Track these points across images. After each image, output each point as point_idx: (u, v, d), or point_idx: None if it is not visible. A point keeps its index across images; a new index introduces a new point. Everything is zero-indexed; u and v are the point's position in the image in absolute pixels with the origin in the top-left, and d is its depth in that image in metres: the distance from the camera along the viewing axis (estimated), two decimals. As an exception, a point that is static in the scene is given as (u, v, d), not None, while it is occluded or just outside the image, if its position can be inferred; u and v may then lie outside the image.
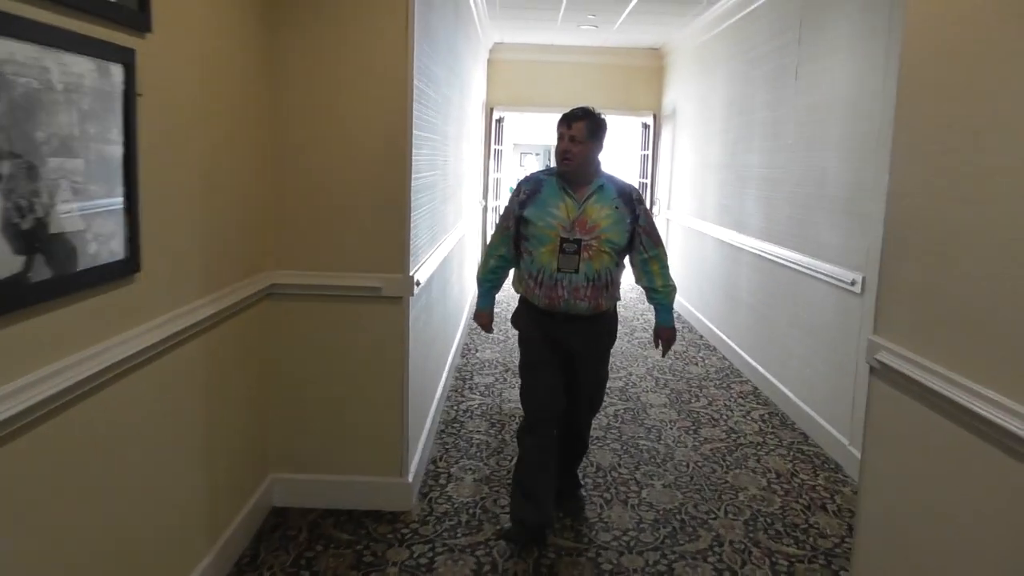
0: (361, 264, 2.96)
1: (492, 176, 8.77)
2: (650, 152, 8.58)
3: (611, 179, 2.89)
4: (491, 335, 6.18)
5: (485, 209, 8.71)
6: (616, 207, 2.80)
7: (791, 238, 4.65)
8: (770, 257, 4.95)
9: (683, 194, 7.78)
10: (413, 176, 3.07)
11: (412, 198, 3.06)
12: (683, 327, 6.97)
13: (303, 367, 3.02)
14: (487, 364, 5.48)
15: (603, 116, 2.88)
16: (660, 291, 2.93)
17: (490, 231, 8.88)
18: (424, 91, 3.32)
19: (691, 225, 7.28)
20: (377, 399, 3.04)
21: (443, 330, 4.64)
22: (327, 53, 2.85)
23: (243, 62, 2.58)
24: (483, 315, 3.20)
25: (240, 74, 2.56)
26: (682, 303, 7.46)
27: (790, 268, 4.61)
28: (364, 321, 3.00)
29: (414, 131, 3.05)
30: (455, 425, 4.16)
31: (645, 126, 8.88)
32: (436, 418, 4.09)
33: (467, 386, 4.90)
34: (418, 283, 3.12)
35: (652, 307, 3.00)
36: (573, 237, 2.74)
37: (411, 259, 3.05)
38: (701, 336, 6.64)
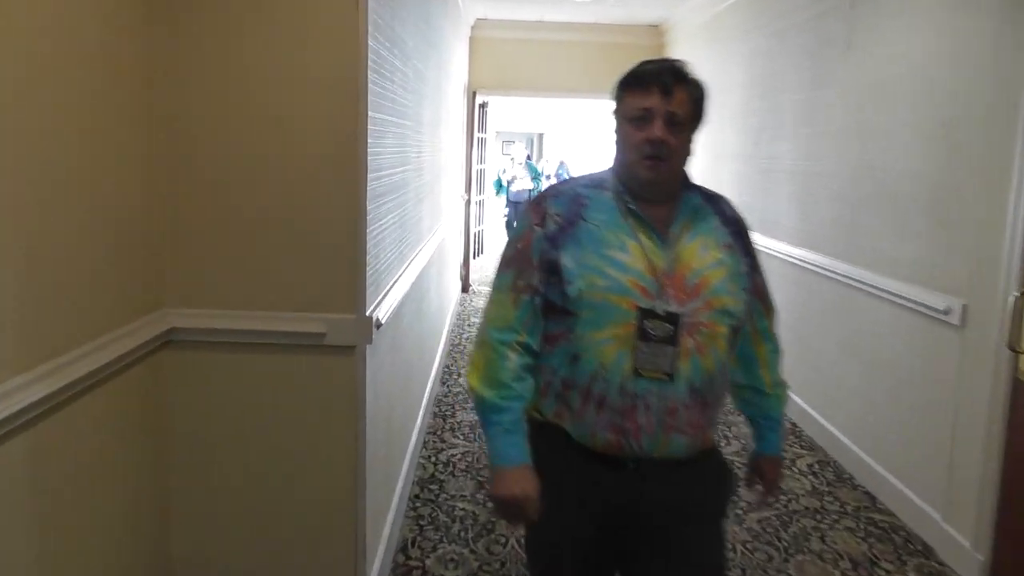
0: (296, 301, 2.11)
1: (475, 167, 7.90)
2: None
3: (701, 191, 1.62)
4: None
5: (468, 204, 7.84)
6: (727, 244, 1.52)
7: (837, 245, 3.84)
8: (809, 267, 4.14)
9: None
10: (372, 176, 2.22)
11: (371, 206, 2.21)
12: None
13: (216, 445, 2.16)
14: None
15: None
16: (769, 393, 1.63)
17: (475, 229, 8.01)
18: (387, 59, 2.46)
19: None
20: (320, 488, 2.19)
21: (419, 360, 3.80)
22: (236, 24, 1.99)
23: (104, 55, 1.71)
24: (515, 479, 1.43)
25: (100, 68, 1.69)
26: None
27: (838, 281, 3.81)
28: (301, 380, 2.14)
29: (374, 114, 2.20)
30: (432, 487, 3.31)
31: (644, 112, 8.04)
32: (409, 478, 3.24)
33: (447, 426, 4.06)
34: (379, 324, 2.27)
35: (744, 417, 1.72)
36: (666, 308, 1.40)
37: (369, 291, 2.19)
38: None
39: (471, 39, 7.91)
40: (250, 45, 2.00)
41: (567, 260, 1.42)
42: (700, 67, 5.67)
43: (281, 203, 2.07)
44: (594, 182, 1.53)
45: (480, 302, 7.37)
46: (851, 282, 3.66)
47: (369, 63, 2.09)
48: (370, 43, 2.10)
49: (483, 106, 8.04)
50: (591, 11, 7.20)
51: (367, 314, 2.15)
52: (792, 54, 4.48)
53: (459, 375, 4.99)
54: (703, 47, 6.50)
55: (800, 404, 4.19)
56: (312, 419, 2.16)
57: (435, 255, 4.72)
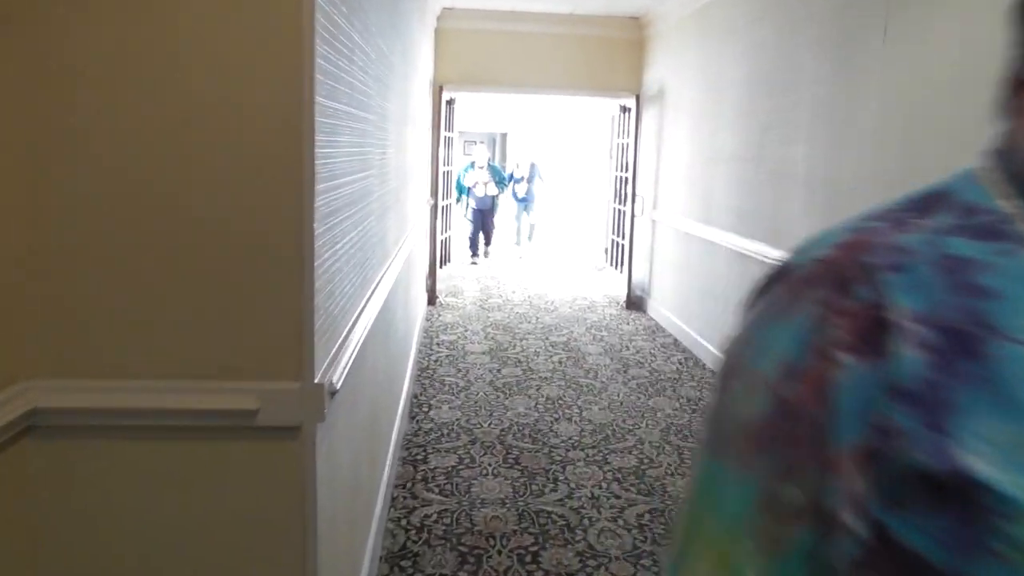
0: (215, 365, 1.49)
1: (442, 169, 7.28)
2: (631, 140, 7.21)
3: None
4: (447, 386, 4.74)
5: (435, 209, 7.22)
6: None
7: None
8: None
9: (674, 192, 6.44)
10: (323, 187, 1.62)
11: (321, 227, 1.61)
12: (681, 366, 5.63)
13: (101, 566, 1.53)
14: (445, 431, 4.03)
15: None
16: None
17: (442, 236, 7.39)
18: (343, 29, 1.85)
19: (688, 230, 5.94)
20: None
21: (386, 395, 3.19)
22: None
23: None
24: None
25: None
26: (683, 329, 6.12)
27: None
28: (223, 476, 1.53)
29: (326, 102, 1.60)
30: (405, 563, 2.70)
31: (625, 109, 7.50)
32: (375, 556, 2.63)
33: (419, 476, 3.45)
34: (335, 391, 1.66)
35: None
36: None
37: (319, 347, 1.58)
38: (715, 375, 5.30)
39: (437, 31, 7.29)
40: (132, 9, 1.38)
41: (982, 454, 0.44)
42: (691, 60, 5.05)
43: (191, 229, 1.45)
44: (978, 227, 0.51)
45: (448, 316, 6.78)
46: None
47: (318, 30, 1.48)
48: (319, 18, 1.49)
49: (450, 103, 7.43)
50: (567, 1, 6.65)
51: (317, 380, 1.54)
52: (809, 46, 3.97)
53: (429, 407, 4.37)
54: (695, 39, 5.98)
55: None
56: (240, 528, 1.54)
57: (403, 272, 4.11)
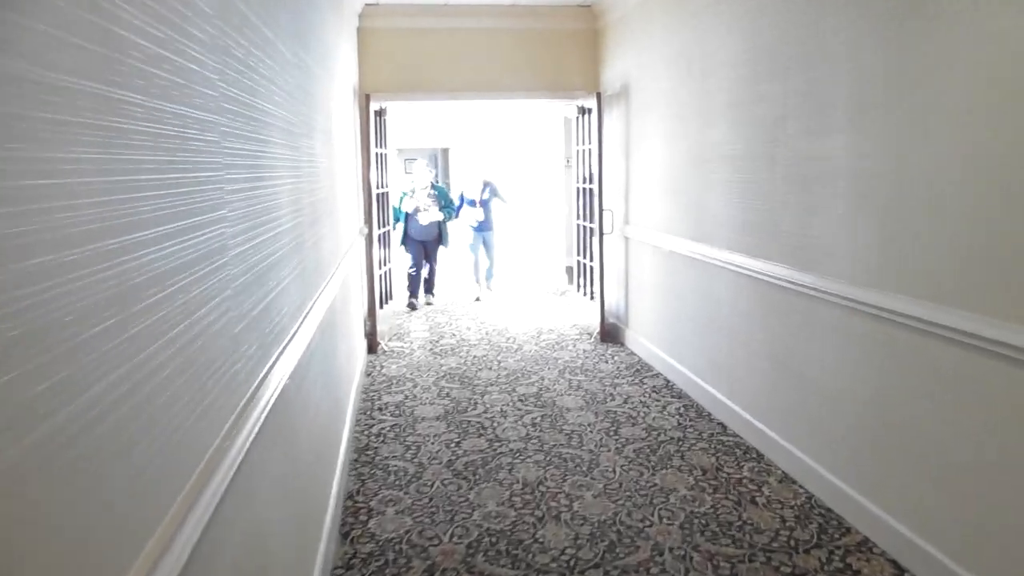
0: None
1: (376, 192, 6.17)
2: (593, 146, 6.22)
3: None
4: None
5: (370, 239, 6.10)
6: None
7: (969, 292, 2.37)
8: (911, 324, 2.65)
9: (651, 203, 5.46)
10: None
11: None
12: (682, 419, 4.63)
13: None
14: (391, 556, 2.92)
15: None
16: None
17: (381, 270, 6.28)
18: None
19: (673, 247, 4.95)
20: None
21: (301, 524, 2.08)
22: None
23: None
24: None
25: None
26: (674, 367, 5.12)
27: (982, 351, 2.33)
28: None
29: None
30: None
31: (584, 111, 6.51)
32: None
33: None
34: None
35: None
36: None
37: None
38: (726, 431, 4.30)
39: (360, 31, 6.22)
40: None
41: None
42: (656, 50, 3.79)
43: None
44: None
45: (393, 367, 5.66)
46: (1008, 352, 2.19)
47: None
48: None
49: (380, 114, 6.33)
50: (511, -15, 5.65)
51: None
52: (839, 13, 3.01)
53: (368, 513, 3.27)
54: (659, 22, 5.03)
55: (904, 533, 2.69)
56: None
57: (327, 324, 3.04)
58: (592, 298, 6.61)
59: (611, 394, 4.86)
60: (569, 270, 9.53)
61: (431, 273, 8.19)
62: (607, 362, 5.66)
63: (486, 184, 8.48)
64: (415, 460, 3.85)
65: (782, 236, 3.55)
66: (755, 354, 3.90)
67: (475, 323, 7.13)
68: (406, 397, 4.93)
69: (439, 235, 7.96)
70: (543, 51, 6.51)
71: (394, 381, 5.30)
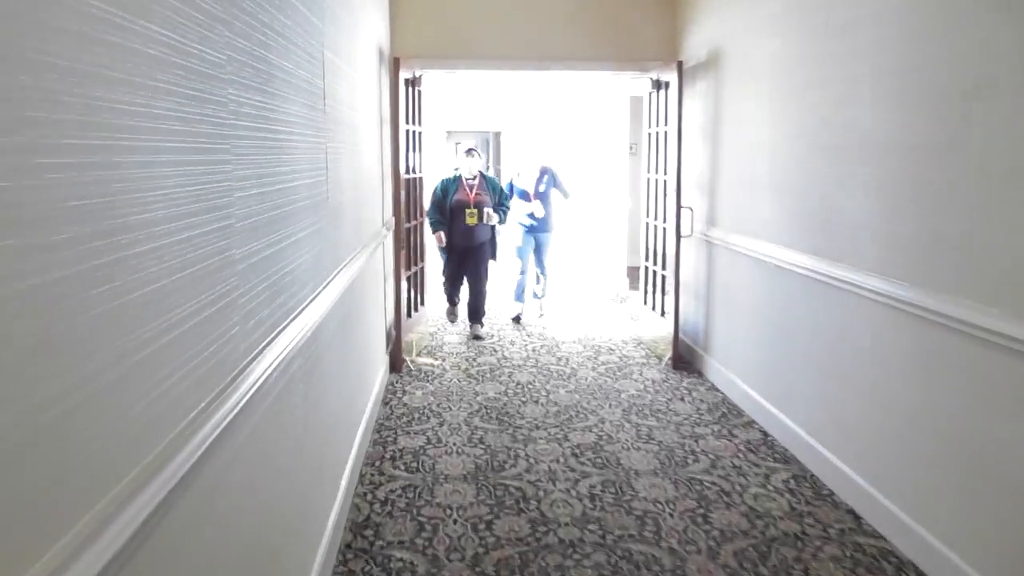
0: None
1: (403, 178, 5.12)
2: (671, 128, 5.05)
3: None
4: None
5: (397, 234, 5.05)
6: None
7: None
8: None
9: (747, 202, 4.29)
10: None
11: None
12: (803, 512, 3.47)
13: None
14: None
15: None
16: None
17: (408, 271, 5.23)
18: None
19: (783, 262, 3.79)
20: None
21: None
22: None
23: None
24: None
25: None
26: (775, 417, 3.95)
27: None
28: None
29: None
30: None
31: (659, 85, 5.34)
32: None
33: None
34: None
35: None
36: None
37: None
38: (860, 525, 3.14)
39: (391, -19, 5.16)
40: None
41: None
42: (764, 4, 2.65)
43: None
44: None
45: (418, 393, 4.62)
46: None
47: None
48: None
49: (412, 83, 5.27)
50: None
51: None
52: None
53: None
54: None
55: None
56: None
57: (335, 344, 2.00)
58: (663, 314, 5.46)
59: (692, 450, 3.73)
60: (632, 271, 8.38)
61: (478, 296, 6.02)
62: (683, 399, 4.52)
63: (544, 171, 6.54)
64: (428, 551, 2.79)
65: (978, 262, 2.37)
66: (910, 424, 2.73)
67: (520, 336, 6.05)
68: (428, 440, 3.88)
69: (488, 243, 6.01)
70: (610, 13, 5.36)
71: (416, 414, 4.25)
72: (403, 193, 5.08)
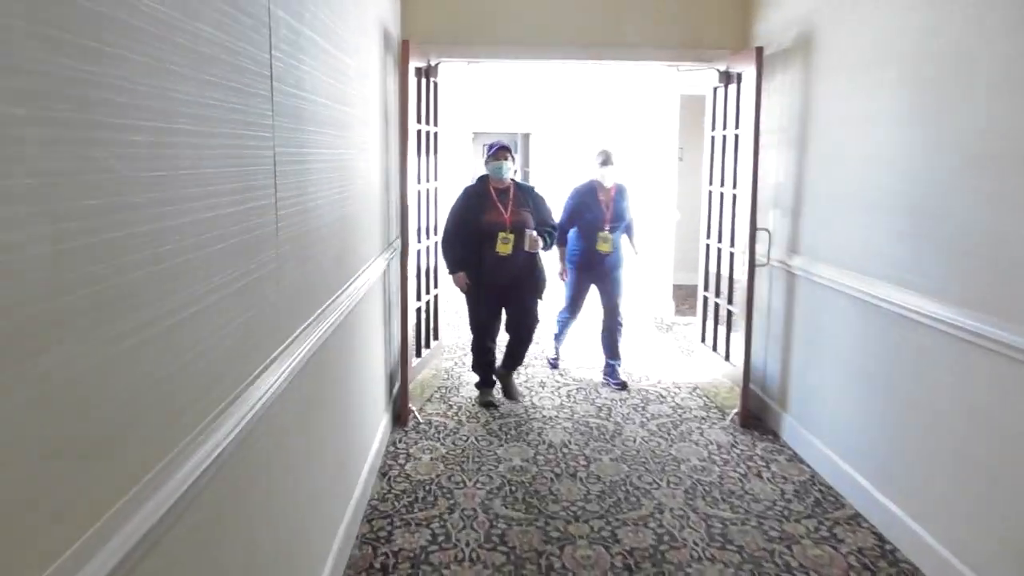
0: None
1: (415, 188, 4.20)
2: (746, 131, 4.08)
3: None
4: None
5: (404, 257, 4.13)
6: None
7: None
8: None
9: (854, 226, 3.32)
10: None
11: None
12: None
13: None
14: None
15: None
16: None
17: (418, 303, 4.30)
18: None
19: (914, 312, 2.81)
20: None
21: None
22: None
23: None
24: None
25: None
26: (897, 517, 2.96)
27: None
28: None
29: None
30: None
31: (729, 78, 4.37)
32: None
33: None
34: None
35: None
36: None
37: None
38: None
39: (403, -51, 4.27)
40: None
41: None
42: None
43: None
44: None
45: (424, 458, 3.71)
46: None
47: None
48: None
49: (426, 73, 4.36)
50: None
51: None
52: None
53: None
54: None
55: None
56: None
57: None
58: (727, 357, 4.49)
59: (787, 564, 2.77)
60: (679, 291, 7.40)
61: (519, 343, 4.52)
62: (761, 475, 3.55)
63: (621, 191, 4.84)
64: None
65: None
66: None
67: (552, 377, 5.10)
68: (434, 537, 2.95)
69: (531, 275, 4.37)
70: (670, -8, 4.42)
71: (421, 491, 3.34)
72: (415, 207, 4.17)
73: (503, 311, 4.49)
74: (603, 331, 4.96)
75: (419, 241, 4.36)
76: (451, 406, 4.47)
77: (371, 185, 3.49)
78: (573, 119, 8.98)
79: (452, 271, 4.34)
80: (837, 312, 3.44)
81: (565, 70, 7.25)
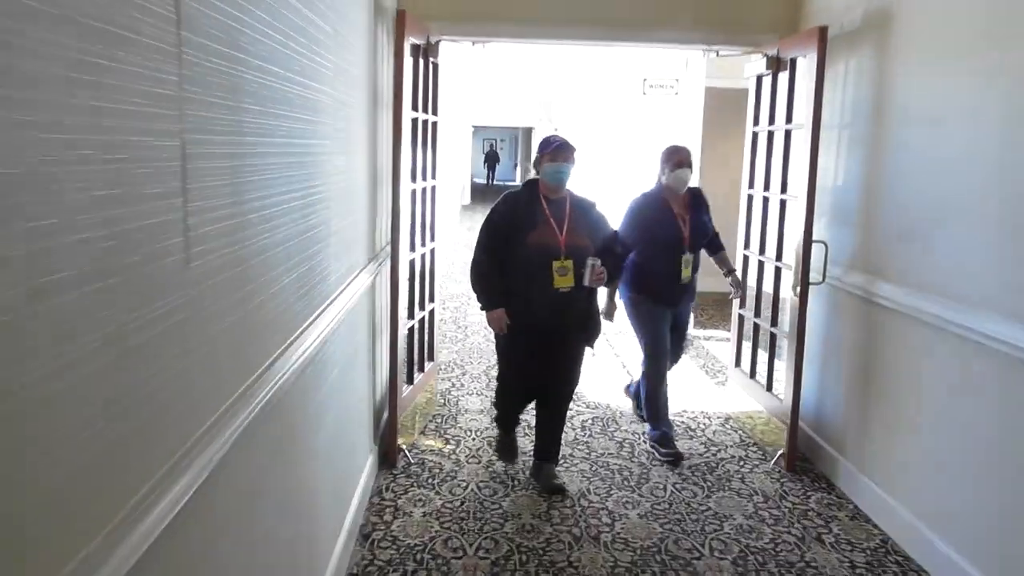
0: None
1: (409, 187, 3.55)
2: (803, 126, 3.45)
3: None
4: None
5: (394, 266, 3.47)
6: None
7: None
8: None
9: (949, 244, 2.70)
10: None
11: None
12: None
13: None
14: None
15: None
16: None
17: (411, 321, 3.66)
18: None
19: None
20: None
21: None
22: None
23: None
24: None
25: None
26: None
27: None
28: None
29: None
30: None
31: (777, 64, 3.74)
32: None
33: None
34: None
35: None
36: None
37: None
38: None
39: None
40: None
41: None
42: None
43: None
44: None
45: (418, 513, 3.08)
46: None
47: None
48: None
49: (426, 53, 3.72)
50: None
51: None
52: None
53: None
54: None
55: None
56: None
57: None
58: (769, 388, 3.87)
59: None
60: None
61: (556, 418, 3.41)
62: (822, 539, 2.94)
63: (697, 196, 3.82)
64: None
65: None
66: None
67: (564, 401, 4.47)
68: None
69: (586, 318, 3.28)
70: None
71: (410, 563, 2.72)
72: (408, 209, 3.54)
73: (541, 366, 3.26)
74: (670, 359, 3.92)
75: (413, 249, 3.72)
76: (448, 439, 3.85)
77: (355, 184, 2.86)
78: (582, 113, 8.34)
79: (487, 307, 3.18)
80: (922, 349, 2.83)
81: (578, 58, 6.61)
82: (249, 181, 1.54)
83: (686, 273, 3.62)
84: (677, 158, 3.60)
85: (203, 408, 1.30)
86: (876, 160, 3.18)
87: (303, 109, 1.99)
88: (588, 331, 3.28)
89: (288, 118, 1.85)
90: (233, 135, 1.43)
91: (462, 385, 4.72)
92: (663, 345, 3.72)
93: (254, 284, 1.58)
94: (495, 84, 8.82)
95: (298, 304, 1.99)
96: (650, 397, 3.74)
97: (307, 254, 2.08)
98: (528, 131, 23.82)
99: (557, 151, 3.13)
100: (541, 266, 3.07)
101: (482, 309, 3.24)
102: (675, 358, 3.95)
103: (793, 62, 3.62)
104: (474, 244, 3.26)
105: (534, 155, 3.27)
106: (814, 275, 3.45)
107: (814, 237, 3.43)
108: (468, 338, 5.87)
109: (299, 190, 1.98)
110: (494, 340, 3.40)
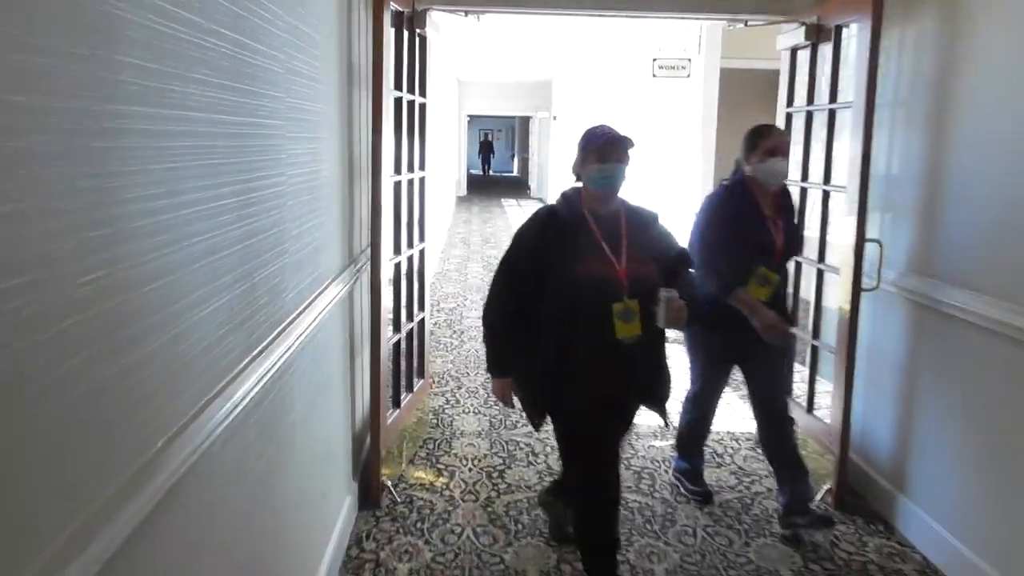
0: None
1: (391, 179, 3.03)
2: (857, 105, 2.93)
3: None
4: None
5: (375, 269, 2.95)
6: None
7: None
8: None
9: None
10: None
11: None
12: None
13: None
14: None
15: None
16: None
17: (396, 335, 3.13)
18: None
19: None
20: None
21: None
22: None
23: None
24: None
25: None
26: None
27: None
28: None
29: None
30: None
31: (818, 34, 3.22)
32: None
33: None
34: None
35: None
36: None
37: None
38: None
39: None
40: None
41: None
42: None
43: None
44: None
45: (403, 568, 2.57)
46: None
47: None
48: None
49: (411, 22, 3.19)
50: None
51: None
52: None
53: None
54: None
55: None
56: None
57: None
58: (810, 409, 3.37)
59: None
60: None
61: (612, 515, 2.38)
62: None
63: (786, 199, 2.95)
64: None
65: None
66: None
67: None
68: None
69: (657, 376, 2.36)
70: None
71: None
72: (391, 206, 3.02)
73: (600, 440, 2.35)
74: (763, 445, 2.98)
75: (398, 251, 3.21)
76: (441, 470, 3.35)
77: (322, 177, 2.34)
78: (588, 98, 7.81)
79: (493, 372, 2.41)
80: (1003, 365, 2.33)
81: (582, 35, 6.09)
82: (130, 172, 1.03)
83: (764, 292, 2.73)
84: (769, 144, 2.66)
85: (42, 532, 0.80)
86: (942, 143, 2.68)
87: (237, 76, 1.48)
88: (657, 395, 2.36)
89: (211, 85, 1.33)
90: (93, 100, 0.92)
91: (457, 401, 4.21)
92: (714, 387, 3.03)
93: (139, 325, 1.07)
94: (489, 68, 8.27)
95: (232, 338, 1.48)
96: (691, 423, 3.13)
97: (247, 268, 1.57)
98: (525, 120, 23.21)
99: (607, 148, 2.21)
100: (595, 311, 2.17)
101: (487, 371, 2.51)
102: (775, 426, 2.89)
103: (838, 30, 3.11)
104: (490, 280, 2.42)
105: (574, 156, 2.32)
106: (867, 280, 2.94)
107: (867, 236, 2.92)
108: (464, 344, 5.36)
109: (232, 184, 1.47)
110: (555, 436, 2.44)
